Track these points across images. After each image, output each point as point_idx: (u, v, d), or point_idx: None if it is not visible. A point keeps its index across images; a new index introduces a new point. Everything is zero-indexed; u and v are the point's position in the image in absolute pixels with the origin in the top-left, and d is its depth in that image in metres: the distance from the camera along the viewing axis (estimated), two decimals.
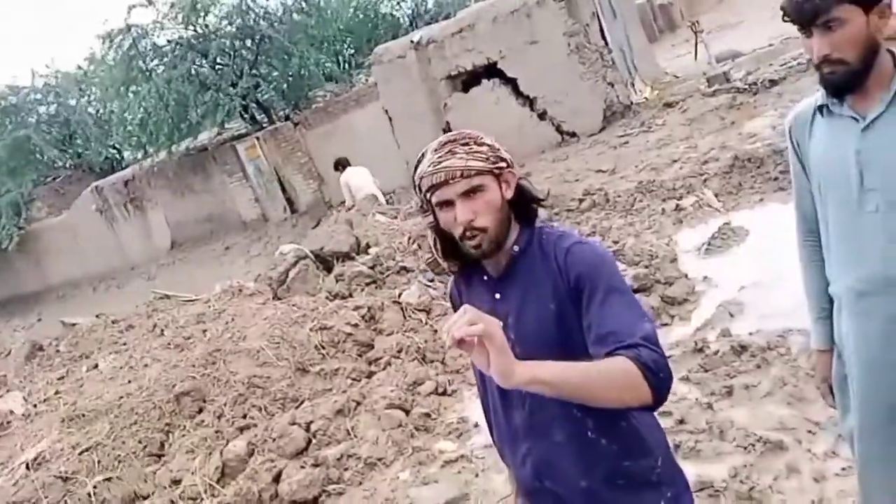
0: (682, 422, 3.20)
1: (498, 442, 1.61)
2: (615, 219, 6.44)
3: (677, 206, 6.11)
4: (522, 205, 1.49)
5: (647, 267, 4.82)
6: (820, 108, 1.73)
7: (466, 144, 1.41)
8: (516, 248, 1.46)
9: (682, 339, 3.98)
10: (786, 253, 4.34)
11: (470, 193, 1.39)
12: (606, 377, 1.22)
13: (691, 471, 2.87)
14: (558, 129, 11.04)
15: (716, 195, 6.11)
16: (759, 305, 4.05)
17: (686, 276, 4.67)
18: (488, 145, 1.43)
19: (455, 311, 1.69)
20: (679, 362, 3.73)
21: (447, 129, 10.71)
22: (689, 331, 4.07)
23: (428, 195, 1.43)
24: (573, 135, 10.90)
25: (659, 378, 1.23)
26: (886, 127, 1.61)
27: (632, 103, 11.14)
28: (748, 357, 3.52)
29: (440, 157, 1.40)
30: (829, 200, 1.75)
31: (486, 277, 1.51)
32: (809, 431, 2.90)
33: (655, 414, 1.54)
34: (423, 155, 1.45)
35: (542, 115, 11.08)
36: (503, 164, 1.43)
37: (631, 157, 8.85)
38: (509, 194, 1.45)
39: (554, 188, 8.41)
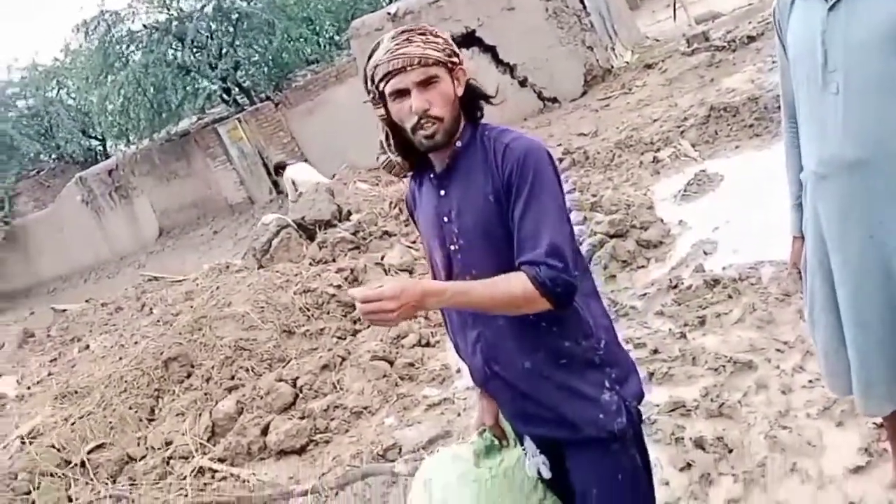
0: (656, 351, 3.27)
1: (452, 335, 1.67)
2: (594, 175, 6.48)
3: (655, 158, 6.16)
4: (470, 103, 1.52)
5: (625, 214, 4.87)
6: None
7: (423, 34, 1.44)
8: (459, 143, 1.50)
9: (657, 279, 4.04)
10: (758, 193, 4.46)
11: (425, 83, 1.41)
12: (505, 297, 1.37)
13: (664, 394, 2.95)
14: (540, 96, 11.03)
15: (693, 145, 6.15)
16: (732, 242, 4.11)
17: (661, 220, 4.73)
18: (443, 38, 1.46)
19: (411, 215, 1.74)
20: (654, 298, 3.80)
21: None
22: (665, 270, 4.13)
23: (381, 85, 1.44)
24: (554, 100, 10.89)
25: (556, 293, 1.37)
26: (848, 7, 1.62)
27: (612, 67, 11.13)
28: (720, 289, 3.59)
29: (397, 44, 1.42)
30: (800, 82, 1.76)
31: (432, 175, 1.55)
32: (778, 350, 2.97)
33: (602, 301, 1.60)
34: (377, 45, 1.46)
35: (522, 83, 11.06)
36: (456, 60, 1.47)
37: (612, 119, 8.87)
38: (460, 91, 1.49)
39: None
